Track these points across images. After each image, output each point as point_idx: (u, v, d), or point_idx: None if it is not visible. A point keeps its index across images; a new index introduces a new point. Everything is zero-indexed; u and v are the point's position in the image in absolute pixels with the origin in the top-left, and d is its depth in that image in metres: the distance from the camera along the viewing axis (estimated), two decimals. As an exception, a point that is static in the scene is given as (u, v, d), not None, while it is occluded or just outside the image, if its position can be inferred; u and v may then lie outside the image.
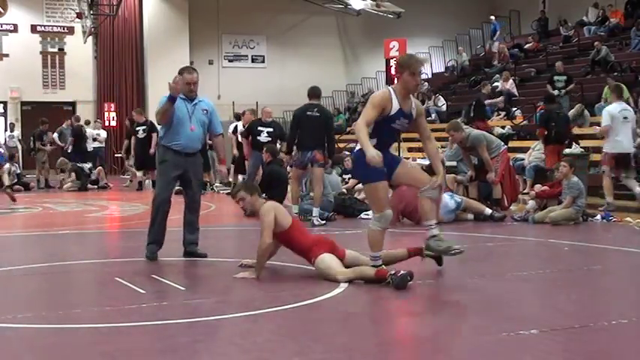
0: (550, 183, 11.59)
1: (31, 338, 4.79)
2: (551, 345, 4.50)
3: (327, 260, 6.40)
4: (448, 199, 10.68)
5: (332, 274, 6.32)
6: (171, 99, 7.27)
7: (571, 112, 17.15)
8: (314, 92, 11.15)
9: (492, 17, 27.32)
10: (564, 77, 18.27)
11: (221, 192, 17.51)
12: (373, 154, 5.73)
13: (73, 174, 19.01)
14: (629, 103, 14.12)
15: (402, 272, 6.03)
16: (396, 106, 6.03)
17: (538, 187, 11.58)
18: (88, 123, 22.77)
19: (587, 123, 17.11)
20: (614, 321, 5.02)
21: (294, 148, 11.08)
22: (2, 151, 19.75)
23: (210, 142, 17.82)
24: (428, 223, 6.25)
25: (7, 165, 19.19)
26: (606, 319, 5.09)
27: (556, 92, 18.05)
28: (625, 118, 11.79)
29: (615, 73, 19.01)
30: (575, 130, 15.98)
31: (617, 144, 11.79)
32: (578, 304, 5.68)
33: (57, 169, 20.00)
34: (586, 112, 17.18)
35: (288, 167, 12.14)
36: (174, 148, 7.45)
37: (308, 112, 10.98)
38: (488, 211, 10.95)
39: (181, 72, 7.54)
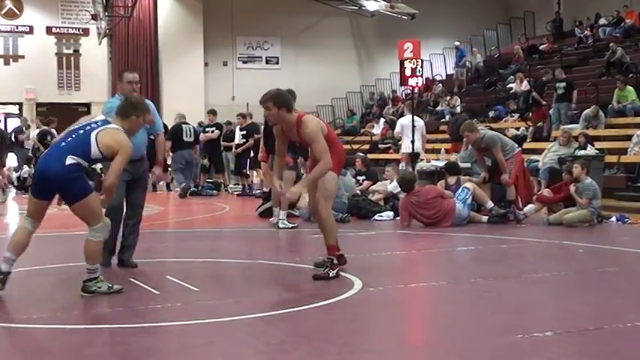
0: (558, 184, 11.48)
1: (46, 338, 4.81)
2: (566, 347, 4.48)
3: (330, 189, 6.57)
4: (461, 208, 10.65)
5: (322, 205, 6.53)
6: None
7: (585, 113, 17.12)
8: None
9: (457, 43, 27.21)
10: (563, 84, 18.26)
11: (235, 193, 17.57)
12: None
13: None
14: None
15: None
16: None
17: (547, 191, 11.55)
18: None
19: (602, 125, 17.05)
20: (629, 323, 4.99)
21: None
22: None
23: (224, 143, 18.06)
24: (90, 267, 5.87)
25: (26, 168, 19.27)
26: (621, 321, 5.06)
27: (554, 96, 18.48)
28: (414, 126, 15.21)
29: (631, 75, 18.91)
30: (591, 132, 15.93)
31: (408, 145, 15.27)
32: (592, 307, 5.65)
33: None
34: (601, 113, 17.10)
35: None
36: None
37: None
38: (490, 204, 10.99)
39: (121, 74, 7.33)
